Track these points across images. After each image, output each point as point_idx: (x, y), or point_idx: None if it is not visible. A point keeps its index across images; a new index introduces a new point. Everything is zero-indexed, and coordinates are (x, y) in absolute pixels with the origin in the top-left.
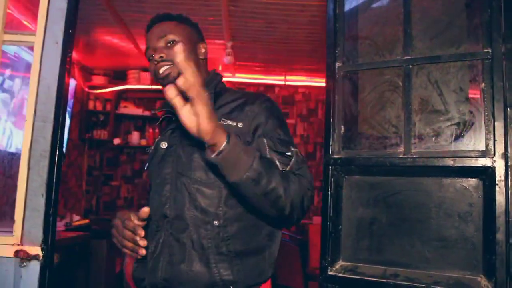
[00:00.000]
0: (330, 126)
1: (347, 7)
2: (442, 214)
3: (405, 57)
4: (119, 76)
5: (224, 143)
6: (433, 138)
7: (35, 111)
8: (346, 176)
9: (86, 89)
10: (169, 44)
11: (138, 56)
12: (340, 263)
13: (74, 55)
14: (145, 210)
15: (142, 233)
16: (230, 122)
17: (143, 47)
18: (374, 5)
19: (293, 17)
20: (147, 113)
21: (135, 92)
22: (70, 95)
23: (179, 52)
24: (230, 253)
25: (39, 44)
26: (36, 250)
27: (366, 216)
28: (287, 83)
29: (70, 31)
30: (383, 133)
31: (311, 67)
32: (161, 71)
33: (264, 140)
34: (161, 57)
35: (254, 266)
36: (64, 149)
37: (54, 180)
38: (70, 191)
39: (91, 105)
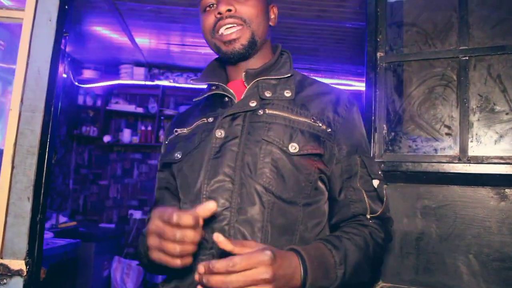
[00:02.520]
0: (371, 125)
1: None
2: (505, 230)
3: (461, 47)
4: (110, 70)
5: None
6: (494, 141)
7: (22, 100)
8: (388, 183)
9: (76, 83)
10: None
11: (131, 50)
12: (381, 285)
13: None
14: (211, 206)
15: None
16: (319, 124)
17: (138, 40)
18: None
19: (299, 11)
20: (139, 109)
21: (127, 88)
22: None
23: (255, 10)
24: None
25: (29, 21)
26: (19, 264)
27: (413, 230)
28: None
29: (66, 6)
30: (434, 134)
31: (311, 66)
32: (226, 31)
33: (358, 159)
34: (229, 10)
35: None
36: (55, 144)
37: (43, 181)
38: (57, 190)
39: (80, 100)
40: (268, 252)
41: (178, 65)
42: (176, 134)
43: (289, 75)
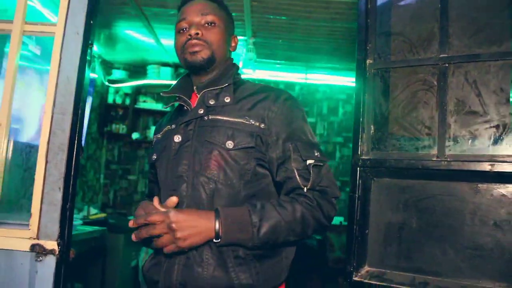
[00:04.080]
0: (359, 126)
1: (380, 1)
2: (478, 221)
3: (441, 55)
4: (139, 70)
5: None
6: (470, 141)
7: (54, 103)
8: (375, 178)
9: (106, 83)
10: (207, 25)
11: (158, 51)
12: (366, 269)
13: (95, 48)
14: (174, 200)
15: None
16: (252, 122)
17: (164, 41)
18: (409, 0)
19: (316, 13)
20: (166, 108)
21: (154, 87)
22: (91, 88)
23: (216, 37)
24: (248, 256)
25: (60, 35)
26: (52, 244)
27: (395, 221)
28: (308, 81)
29: (91, 21)
30: (416, 135)
31: (333, 65)
32: (191, 45)
33: (290, 146)
34: (197, 33)
35: (272, 268)
36: (83, 143)
37: (72, 174)
38: (88, 184)
39: (110, 99)
40: (171, 210)
41: None
42: (155, 140)
43: (227, 84)
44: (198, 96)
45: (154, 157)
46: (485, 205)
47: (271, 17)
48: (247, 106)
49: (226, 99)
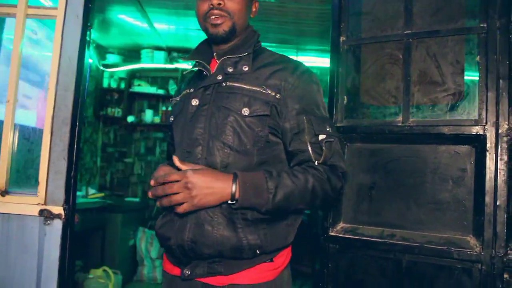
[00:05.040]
0: (333, 96)
1: None
2: (437, 179)
3: (406, 32)
4: (133, 55)
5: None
6: (430, 108)
7: (57, 81)
8: (348, 144)
9: (101, 68)
10: None
11: (152, 36)
12: (341, 225)
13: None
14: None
15: None
16: (269, 91)
17: (157, 26)
18: None
19: None
20: (160, 91)
21: (148, 71)
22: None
23: (238, 6)
24: (256, 219)
25: (61, 18)
26: (58, 209)
27: (366, 182)
28: None
29: (90, 5)
30: (383, 103)
31: (323, 47)
32: (213, 17)
33: (304, 118)
34: (220, 4)
35: (280, 231)
36: (83, 117)
37: (75, 145)
38: (85, 167)
39: (105, 83)
40: (190, 169)
41: None
42: (173, 102)
43: (247, 53)
44: (218, 62)
45: (172, 119)
46: (443, 164)
47: (261, 0)
48: (265, 75)
49: (245, 67)
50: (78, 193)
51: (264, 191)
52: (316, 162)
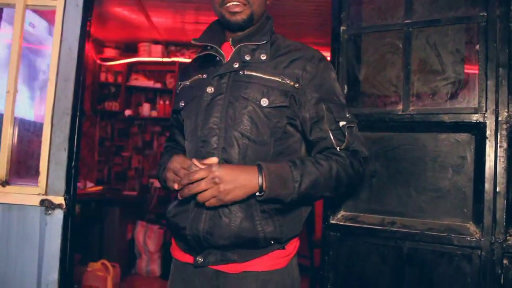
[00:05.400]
0: None
1: None
2: (437, 166)
3: (406, 21)
4: (130, 48)
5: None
6: (430, 96)
7: (57, 71)
8: None
9: (98, 61)
10: None
11: (149, 29)
12: (342, 213)
13: None
14: (213, 160)
15: None
16: (287, 81)
17: (154, 19)
18: None
19: None
20: (158, 85)
21: (145, 65)
22: None
23: None
24: (271, 210)
25: (61, 8)
26: (59, 199)
27: (367, 170)
28: None
29: None
30: (384, 92)
31: (320, 41)
32: (233, 6)
33: (324, 106)
34: None
35: (293, 221)
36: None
37: (76, 136)
38: (83, 161)
39: (102, 77)
40: (215, 164)
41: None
42: (181, 86)
43: (265, 41)
44: (234, 49)
45: (182, 104)
46: (443, 152)
47: None
48: (283, 64)
49: (263, 56)
50: None
51: (289, 181)
52: (338, 148)
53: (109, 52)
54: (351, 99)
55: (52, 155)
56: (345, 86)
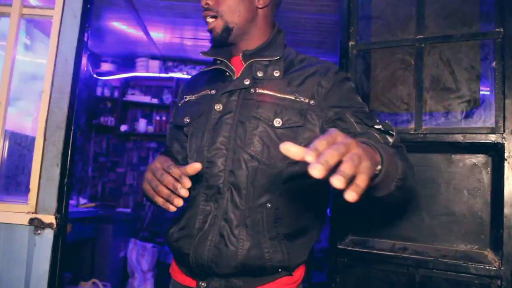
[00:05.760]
0: None
1: None
2: (452, 189)
3: (418, 36)
4: (127, 63)
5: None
6: (444, 115)
7: (52, 83)
8: None
9: (95, 76)
10: None
11: (147, 44)
12: (350, 237)
13: None
14: (196, 166)
15: (188, 183)
16: (302, 98)
17: (153, 34)
18: None
19: (302, 5)
20: (154, 100)
21: (143, 80)
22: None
23: (226, 2)
24: (279, 235)
25: (58, 18)
26: (50, 218)
27: None
28: None
29: (88, 5)
30: (395, 110)
31: (319, 57)
32: (206, 20)
33: (352, 118)
34: (207, 4)
35: (302, 247)
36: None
37: (70, 151)
38: (77, 176)
39: (99, 91)
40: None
41: (191, 58)
42: (186, 100)
43: (278, 56)
44: (244, 64)
45: (187, 120)
46: (458, 174)
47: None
48: (297, 81)
49: (276, 73)
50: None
51: (393, 156)
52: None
53: (106, 66)
54: None
55: (43, 171)
56: None
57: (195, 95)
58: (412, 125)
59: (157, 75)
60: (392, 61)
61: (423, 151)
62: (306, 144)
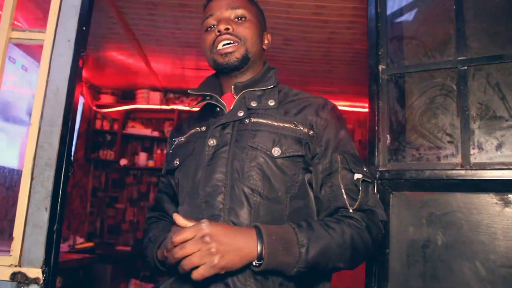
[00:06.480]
0: (374, 135)
1: (390, 5)
2: (511, 235)
3: (460, 58)
4: (127, 95)
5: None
6: (496, 148)
7: (41, 115)
8: (393, 192)
9: (94, 108)
10: (238, 19)
11: (148, 75)
12: None
13: (83, 72)
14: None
15: None
16: (301, 127)
17: (154, 65)
18: (421, 3)
19: (312, 33)
20: (155, 133)
21: (143, 112)
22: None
23: (250, 32)
24: (290, 284)
25: (49, 42)
26: (36, 272)
27: (418, 238)
28: None
29: (84, 28)
30: (436, 143)
31: (325, 88)
32: (222, 44)
33: (338, 156)
34: (227, 29)
35: None
36: (72, 158)
37: (60, 192)
38: (74, 213)
39: (98, 124)
40: (205, 221)
41: None
42: (175, 143)
43: (272, 86)
44: (236, 97)
45: (177, 162)
46: None
47: None
48: (293, 110)
49: (271, 102)
50: (62, 246)
51: (294, 246)
52: (350, 209)
53: (105, 98)
54: (395, 152)
55: (30, 216)
56: (387, 136)
57: (184, 136)
58: (459, 160)
59: (158, 107)
60: (431, 86)
61: (473, 190)
62: (305, 176)
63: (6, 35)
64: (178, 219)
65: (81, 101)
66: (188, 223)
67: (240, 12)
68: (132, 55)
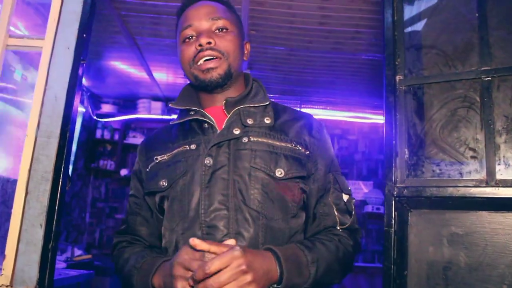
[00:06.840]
0: (392, 149)
1: (407, 12)
2: None
3: (483, 68)
4: (128, 105)
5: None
6: None
7: (38, 125)
8: (412, 210)
9: (94, 118)
10: (219, 31)
11: (149, 85)
12: None
13: (84, 81)
14: (232, 242)
15: None
16: (299, 148)
17: (156, 74)
18: (440, 10)
19: (315, 43)
20: None
21: (144, 122)
22: (78, 122)
23: (232, 45)
24: None
25: (48, 49)
26: None
27: (439, 259)
28: None
29: (85, 35)
30: (458, 158)
31: (328, 99)
32: (206, 62)
33: (331, 176)
34: (209, 43)
35: None
36: (70, 171)
37: (57, 208)
38: (72, 223)
39: (98, 134)
40: (237, 248)
41: None
42: (157, 161)
43: (267, 103)
44: (228, 113)
45: (164, 183)
46: None
47: (269, 47)
48: (289, 130)
49: (267, 120)
50: (59, 258)
51: (305, 267)
52: (338, 228)
53: (106, 108)
54: (413, 168)
55: (24, 233)
56: (405, 150)
57: (168, 154)
58: (483, 176)
59: (160, 117)
60: (452, 98)
61: (499, 209)
62: (302, 195)
63: (2, 42)
64: (196, 242)
65: (81, 110)
66: (215, 247)
67: (221, 23)
68: (134, 64)
